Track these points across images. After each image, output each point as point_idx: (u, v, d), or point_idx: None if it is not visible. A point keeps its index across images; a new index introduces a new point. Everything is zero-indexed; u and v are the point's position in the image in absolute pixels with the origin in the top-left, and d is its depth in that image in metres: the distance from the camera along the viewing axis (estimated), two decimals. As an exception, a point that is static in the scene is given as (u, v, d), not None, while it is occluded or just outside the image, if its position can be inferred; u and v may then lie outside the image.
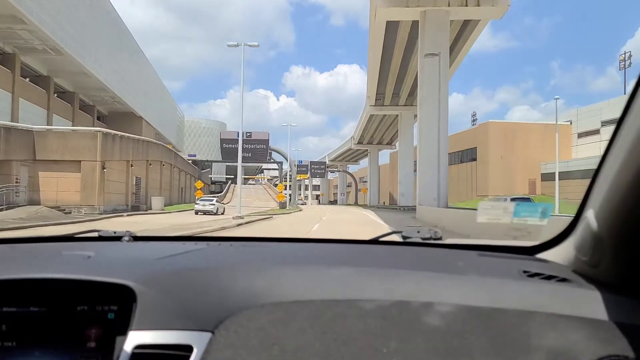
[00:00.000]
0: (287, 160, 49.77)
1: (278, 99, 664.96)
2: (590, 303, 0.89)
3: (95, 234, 1.62)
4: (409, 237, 1.51)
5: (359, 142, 74.84)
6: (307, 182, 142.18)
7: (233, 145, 48.81)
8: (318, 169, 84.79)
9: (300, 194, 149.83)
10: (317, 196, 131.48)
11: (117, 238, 1.55)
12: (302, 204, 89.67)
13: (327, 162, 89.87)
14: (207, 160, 64.57)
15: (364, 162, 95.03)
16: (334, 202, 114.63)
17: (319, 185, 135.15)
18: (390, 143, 75.03)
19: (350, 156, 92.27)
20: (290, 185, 55.58)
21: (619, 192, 0.84)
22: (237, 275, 1.03)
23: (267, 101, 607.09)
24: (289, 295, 0.95)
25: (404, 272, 1.05)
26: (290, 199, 52.53)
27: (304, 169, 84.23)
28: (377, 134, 70.11)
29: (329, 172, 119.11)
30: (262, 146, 48.26)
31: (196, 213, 29.77)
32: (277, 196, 44.11)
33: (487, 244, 1.42)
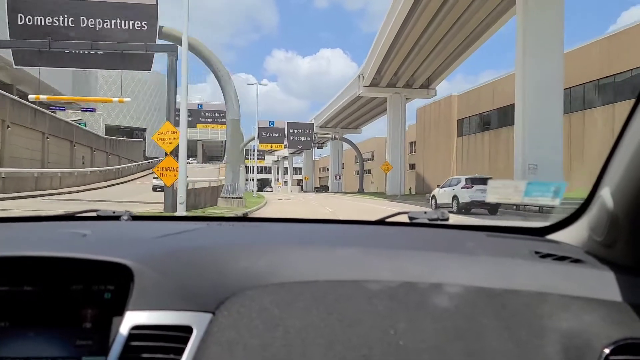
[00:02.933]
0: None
1: (259, 83, 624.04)
2: (605, 284, 0.88)
3: (94, 214, 1.59)
4: (415, 218, 1.48)
5: (373, 85, 42.58)
6: (286, 164, 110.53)
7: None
8: (301, 135, 52.36)
9: (278, 180, 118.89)
10: (299, 181, 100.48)
11: (116, 217, 1.53)
12: (269, 191, 58.36)
13: (317, 130, 56.93)
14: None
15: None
16: (322, 189, 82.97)
17: (301, 169, 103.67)
18: (427, 85, 42.91)
19: (353, 116, 59.54)
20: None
21: (637, 171, 0.82)
22: (239, 255, 1.00)
23: (249, 85, 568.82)
24: (292, 276, 0.92)
25: (412, 253, 1.03)
26: (231, 183, 20.24)
27: (277, 134, 51.95)
28: (412, 61, 37.94)
29: (315, 148, 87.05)
30: (127, 15, 15.96)
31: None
32: (157, 168, 11.30)
33: (495, 224, 1.42)
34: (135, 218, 1.55)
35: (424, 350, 0.78)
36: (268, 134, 51.85)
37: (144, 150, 70.56)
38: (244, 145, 59.56)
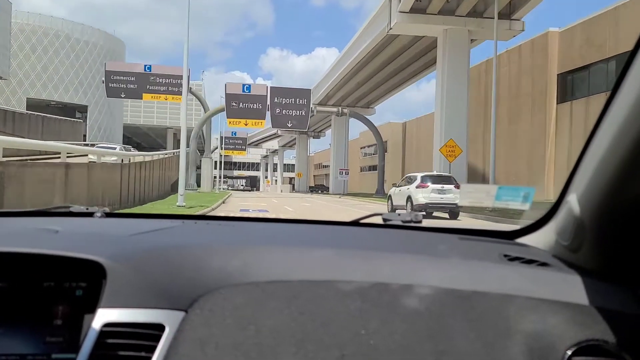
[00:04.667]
0: None
1: (254, 82, 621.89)
2: (570, 287, 0.92)
3: (67, 210, 1.57)
4: (389, 220, 1.47)
5: (415, 11, 24.86)
6: (276, 159, 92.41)
7: None
8: (292, 107, 34.39)
9: (267, 178, 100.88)
10: (291, 179, 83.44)
11: (89, 214, 1.52)
12: (247, 191, 40.86)
13: (314, 106, 38.12)
14: None
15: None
16: (318, 189, 65.67)
17: (294, 165, 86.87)
18: (509, 14, 25.15)
19: (371, 82, 40.99)
20: None
21: (604, 177, 0.85)
22: (213, 254, 1.01)
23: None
24: (266, 275, 0.94)
25: (384, 254, 1.05)
26: None
27: (255, 105, 34.05)
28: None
29: (311, 137, 69.07)
30: None
31: None
32: None
33: (467, 228, 1.45)
34: (109, 215, 1.54)
35: (394, 350, 0.81)
36: (241, 105, 33.97)
37: (85, 135, 52.61)
38: (205, 118, 41.19)
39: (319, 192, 63.56)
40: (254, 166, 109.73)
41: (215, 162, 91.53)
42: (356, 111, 46.95)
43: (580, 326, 0.83)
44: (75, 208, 1.56)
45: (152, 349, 0.83)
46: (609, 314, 0.85)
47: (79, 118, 51.85)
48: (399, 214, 1.48)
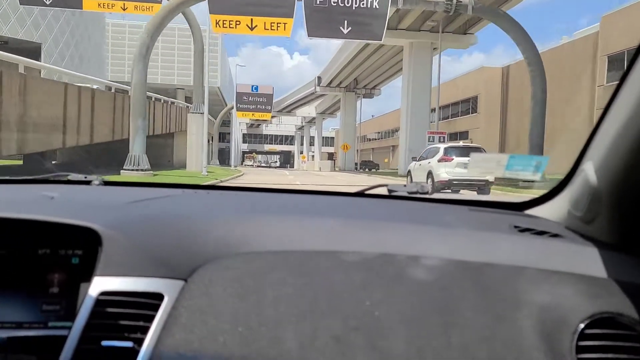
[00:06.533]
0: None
1: (292, 57, 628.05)
2: (583, 259, 0.89)
3: (65, 178, 1.56)
4: (395, 191, 1.44)
5: None
6: (313, 131, 74.36)
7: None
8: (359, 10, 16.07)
9: (302, 153, 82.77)
10: (331, 155, 65.38)
11: (87, 182, 1.51)
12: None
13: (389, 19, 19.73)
14: None
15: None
16: (367, 167, 47.92)
17: (332, 139, 69.28)
18: None
19: None
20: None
21: (623, 145, 0.81)
22: (214, 223, 0.99)
23: (281, 59, 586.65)
24: (268, 245, 0.93)
25: (390, 225, 1.03)
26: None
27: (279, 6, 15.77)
28: None
29: (361, 96, 50.24)
30: None
31: None
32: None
33: (475, 199, 1.37)
34: (107, 183, 1.52)
35: (399, 321, 0.79)
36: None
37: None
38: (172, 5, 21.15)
39: (367, 170, 45.63)
40: (287, 139, 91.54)
41: (244, 134, 72.74)
42: (447, 42, 27.84)
43: (594, 298, 0.81)
44: (73, 176, 1.54)
45: (150, 318, 0.81)
46: (624, 286, 0.82)
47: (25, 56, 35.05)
48: (405, 185, 1.42)
